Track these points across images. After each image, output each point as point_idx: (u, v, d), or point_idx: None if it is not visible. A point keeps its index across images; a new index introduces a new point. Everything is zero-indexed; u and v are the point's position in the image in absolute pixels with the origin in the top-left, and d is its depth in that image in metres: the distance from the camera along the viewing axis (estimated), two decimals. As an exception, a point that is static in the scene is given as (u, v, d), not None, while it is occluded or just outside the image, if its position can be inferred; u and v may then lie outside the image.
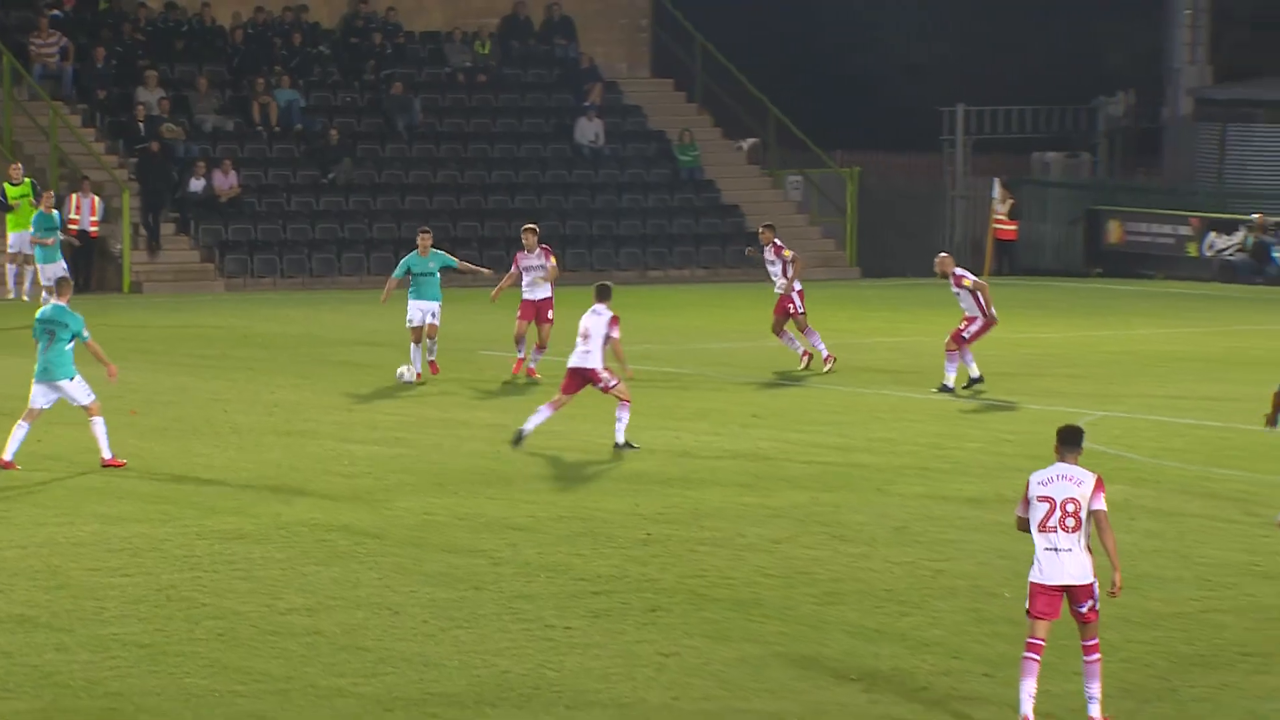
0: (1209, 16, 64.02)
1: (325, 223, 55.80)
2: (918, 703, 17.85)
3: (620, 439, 29.35)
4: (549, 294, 35.90)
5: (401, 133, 58.09)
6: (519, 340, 35.73)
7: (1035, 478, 17.10)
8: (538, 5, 61.53)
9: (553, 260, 36.17)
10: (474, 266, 38.45)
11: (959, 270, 34.80)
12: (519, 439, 29.18)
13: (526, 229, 36.70)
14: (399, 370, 34.69)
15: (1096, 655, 17.20)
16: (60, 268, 43.75)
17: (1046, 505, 16.93)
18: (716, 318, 41.52)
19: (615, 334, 29.37)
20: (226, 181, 54.69)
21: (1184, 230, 58.86)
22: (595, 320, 29.44)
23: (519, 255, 36.36)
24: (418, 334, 35.47)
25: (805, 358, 36.53)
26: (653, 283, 52.00)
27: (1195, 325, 44.95)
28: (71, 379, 27.38)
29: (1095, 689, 17.14)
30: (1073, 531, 16.97)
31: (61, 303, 27.66)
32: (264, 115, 57.16)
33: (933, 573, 22.43)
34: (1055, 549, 16.94)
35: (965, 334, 34.31)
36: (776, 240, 36.84)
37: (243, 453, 29.37)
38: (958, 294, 34.87)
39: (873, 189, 60.49)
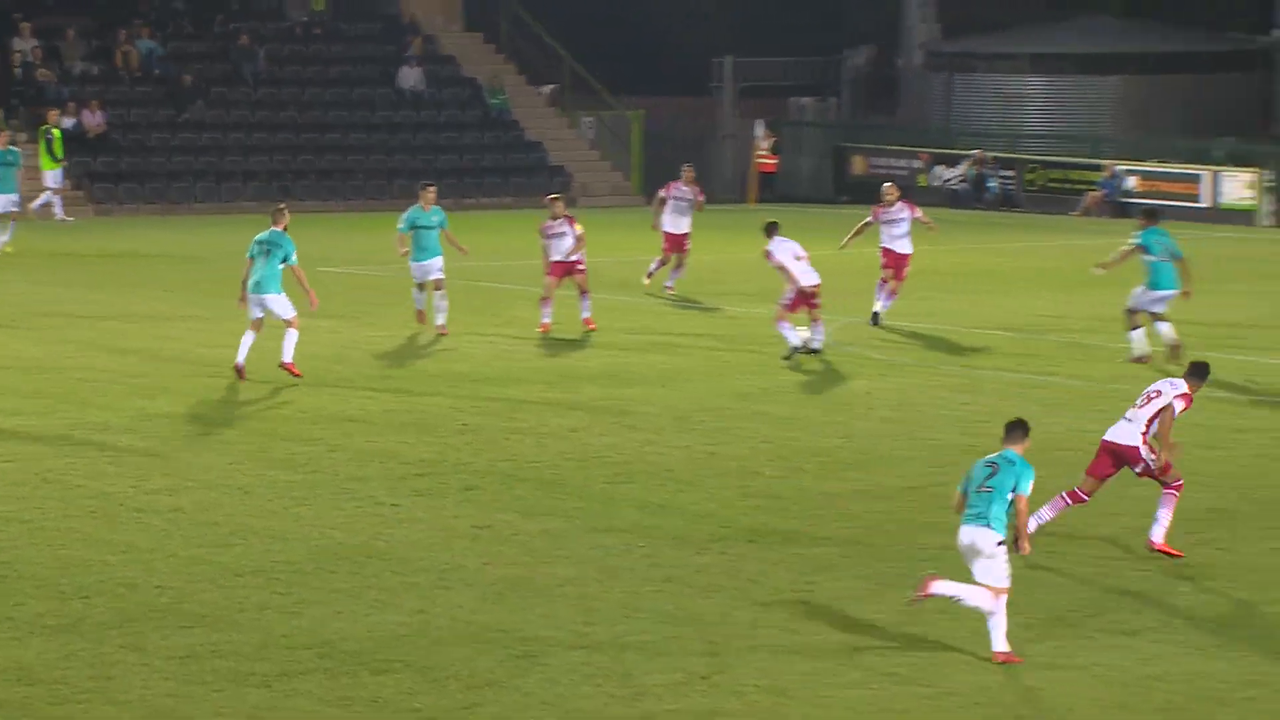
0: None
1: (181, 156, 55.21)
2: (692, 567, 17.96)
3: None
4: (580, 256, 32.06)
5: (247, 78, 57.56)
6: (545, 301, 31.42)
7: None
8: (365, -32, 61.14)
9: (578, 228, 32.18)
10: (459, 244, 32.23)
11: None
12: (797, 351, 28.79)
13: (552, 198, 33.19)
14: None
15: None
16: (12, 200, 42.87)
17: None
18: (528, 240, 41.28)
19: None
20: (94, 119, 53.97)
21: (916, 164, 59.36)
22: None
23: (543, 226, 32.37)
24: (425, 286, 31.20)
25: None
26: (468, 209, 51.73)
27: (927, 245, 45.36)
28: (278, 294, 26.75)
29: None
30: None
31: (279, 229, 26.96)
32: (126, 62, 56.47)
33: (707, 455, 22.53)
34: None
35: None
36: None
37: (111, 356, 29.02)
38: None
39: (655, 128, 60.59)
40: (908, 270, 32.85)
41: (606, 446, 22.95)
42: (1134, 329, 29.03)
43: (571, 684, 14.73)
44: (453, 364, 28.70)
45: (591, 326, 31.53)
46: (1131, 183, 54.31)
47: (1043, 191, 56.86)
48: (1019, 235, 41.23)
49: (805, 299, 28.94)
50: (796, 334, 28.90)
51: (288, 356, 26.68)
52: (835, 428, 24.16)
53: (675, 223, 36.99)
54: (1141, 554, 18.32)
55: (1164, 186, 53.52)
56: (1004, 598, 15.38)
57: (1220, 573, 17.65)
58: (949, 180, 58.01)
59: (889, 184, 34.48)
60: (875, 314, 32.30)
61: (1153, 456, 18.40)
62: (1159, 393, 18.64)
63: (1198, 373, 18.85)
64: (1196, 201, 53.25)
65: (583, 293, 31.85)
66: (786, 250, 29.14)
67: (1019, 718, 14.18)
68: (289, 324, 26.81)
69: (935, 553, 18.32)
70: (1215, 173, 53.59)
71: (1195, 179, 53.80)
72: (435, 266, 31.14)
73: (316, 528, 19.14)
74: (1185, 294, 28.89)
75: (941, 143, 59.74)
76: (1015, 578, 17.52)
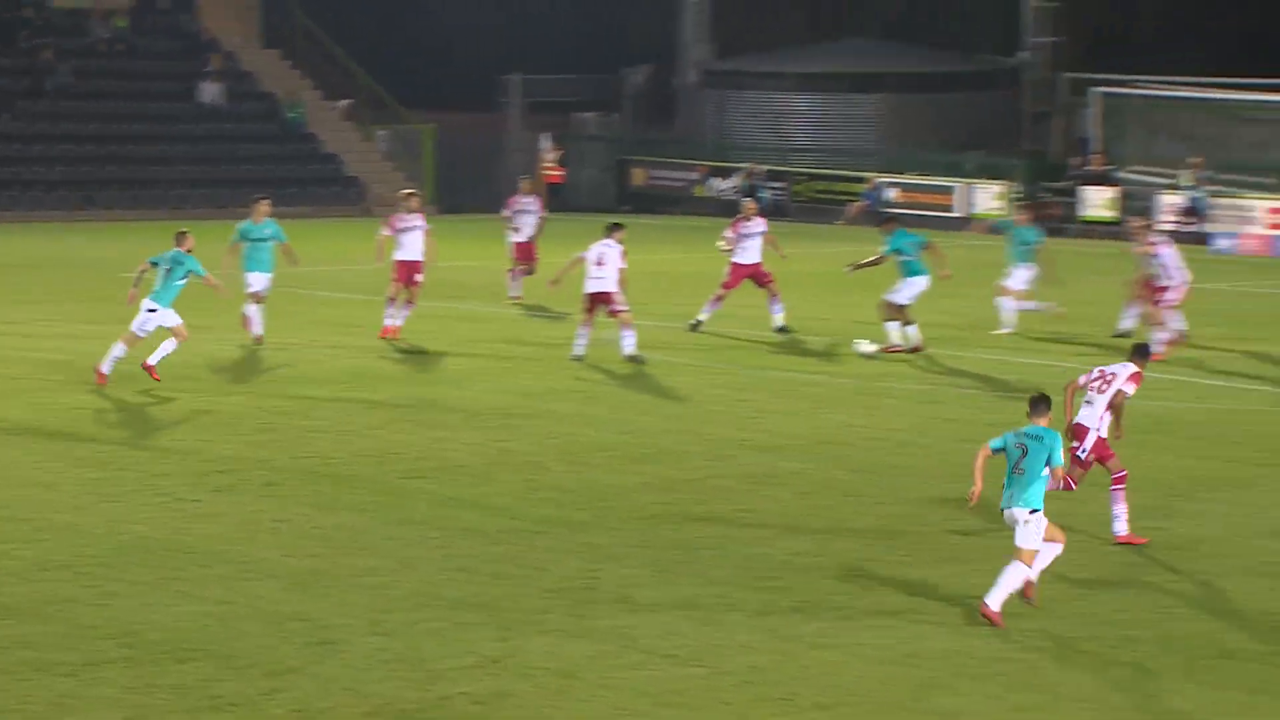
0: (710, 3, 64.90)
1: (-12, 167, 54.37)
2: (484, 557, 17.90)
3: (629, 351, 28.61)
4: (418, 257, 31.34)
5: (50, 92, 56.66)
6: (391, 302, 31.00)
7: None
8: (166, -13, 60.49)
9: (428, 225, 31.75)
10: (294, 256, 31.14)
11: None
12: (578, 358, 28.48)
13: (407, 193, 32.64)
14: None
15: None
16: None
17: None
18: (321, 247, 41.03)
19: (623, 264, 28.75)
20: (-96, 132, 52.96)
21: (693, 176, 59.66)
22: (609, 251, 28.78)
23: (393, 218, 31.61)
24: (258, 298, 30.05)
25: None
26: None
27: (703, 251, 45.56)
28: (168, 309, 26.16)
29: None
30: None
31: (182, 249, 26.55)
32: (-66, 77, 55.49)
33: (499, 451, 22.46)
34: None
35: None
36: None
37: (-80, 359, 28.42)
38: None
39: (446, 141, 60.38)
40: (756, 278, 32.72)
41: (402, 443, 22.80)
42: (896, 322, 29.61)
43: (368, 669, 14.61)
44: (256, 366, 28.38)
45: (391, 335, 30.88)
46: (892, 194, 54.96)
47: (810, 202, 57.39)
48: (788, 243, 41.45)
49: (593, 303, 28.79)
50: (582, 341, 28.73)
51: (154, 359, 26.07)
52: (620, 424, 24.17)
53: (522, 233, 37.04)
54: (901, 542, 18.48)
55: (921, 197, 54.20)
56: (1037, 557, 16.10)
57: (973, 557, 17.85)
58: (723, 191, 58.36)
59: (748, 200, 35.02)
60: (698, 321, 32.33)
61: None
62: (1114, 375, 18.69)
63: (1141, 352, 19.13)
64: (950, 211, 54.01)
65: (409, 302, 31.17)
66: (594, 252, 29.09)
67: (789, 695, 14.24)
68: (174, 332, 26.24)
69: (714, 541, 18.40)
70: (968, 185, 54.38)
71: (949, 190, 54.57)
72: (266, 278, 30.25)
73: (122, 523, 18.82)
74: (945, 275, 29.88)
75: (716, 156, 60.07)
76: (790, 565, 17.64)
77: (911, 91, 61.82)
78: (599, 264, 28.90)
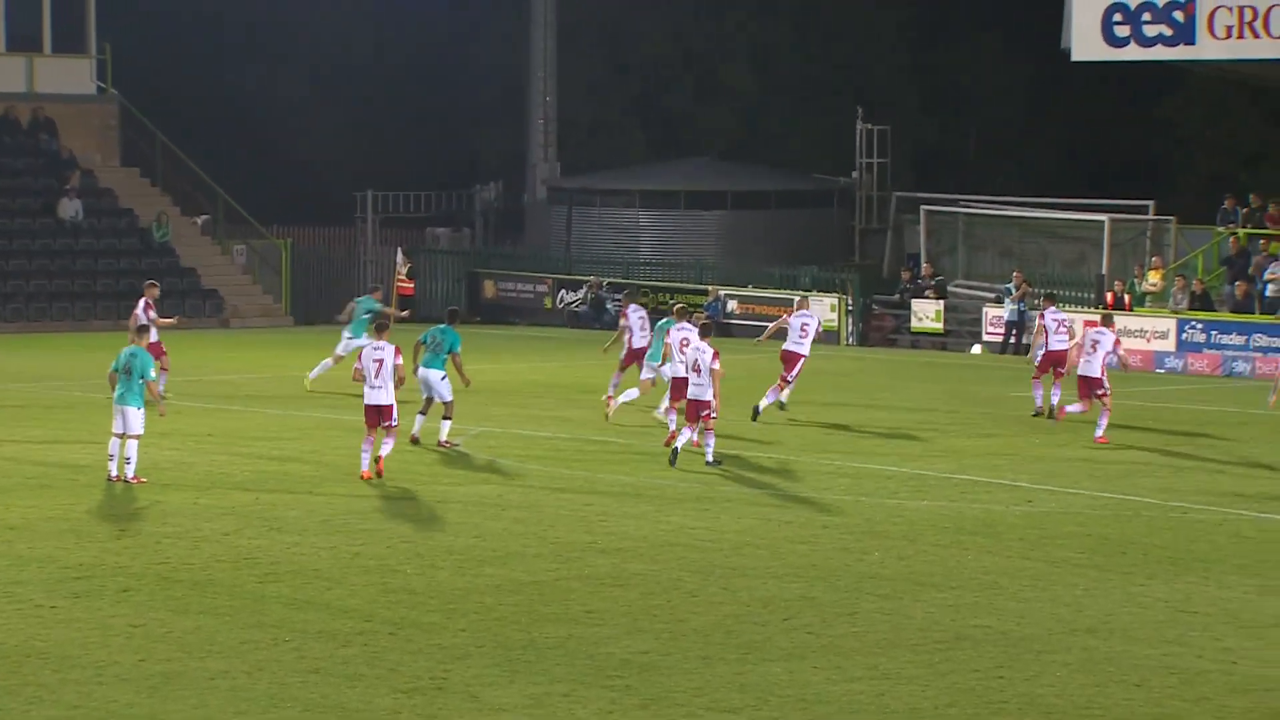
0: (556, 124, 65.38)
1: None
2: (337, 659, 17.74)
3: (709, 457, 28.63)
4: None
5: (-87, 208, 56.05)
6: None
7: None
8: (25, 108, 59.94)
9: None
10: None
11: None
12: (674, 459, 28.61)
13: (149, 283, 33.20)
14: None
15: None
16: None
17: None
18: (180, 356, 40.62)
19: (716, 365, 28.35)
20: None
21: (541, 288, 59.78)
22: (701, 355, 28.52)
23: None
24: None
25: None
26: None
27: (551, 361, 45.62)
28: (138, 409, 26.58)
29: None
30: None
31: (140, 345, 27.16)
32: None
33: (351, 555, 22.30)
34: None
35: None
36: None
37: None
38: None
39: (303, 255, 60.23)
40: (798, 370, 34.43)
41: (257, 548, 22.59)
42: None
43: (222, 770, 14.41)
44: (105, 475, 28.04)
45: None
46: (732, 305, 55.37)
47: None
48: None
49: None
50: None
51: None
52: (470, 528, 24.09)
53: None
54: (740, 641, 18.50)
55: (760, 309, 54.61)
56: None
57: (810, 653, 17.89)
58: (572, 304, 58.53)
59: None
60: (757, 408, 33.81)
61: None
62: (1099, 339, 29.57)
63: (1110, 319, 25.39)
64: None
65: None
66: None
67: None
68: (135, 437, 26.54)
69: (560, 641, 18.35)
70: (803, 297, 54.82)
71: (787, 303, 54.95)
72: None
73: (-21, 629, 18.49)
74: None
75: (564, 269, 60.25)
76: (634, 663, 17.60)
77: (750, 208, 62.56)
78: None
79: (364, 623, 19.02)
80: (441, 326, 31.04)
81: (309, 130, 66.77)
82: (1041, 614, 19.65)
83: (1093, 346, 33.15)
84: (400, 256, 59.78)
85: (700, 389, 28.58)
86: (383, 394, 27.37)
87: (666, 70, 71.12)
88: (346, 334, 37.44)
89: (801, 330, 35.49)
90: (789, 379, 34.91)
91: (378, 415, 27.44)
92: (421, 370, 30.44)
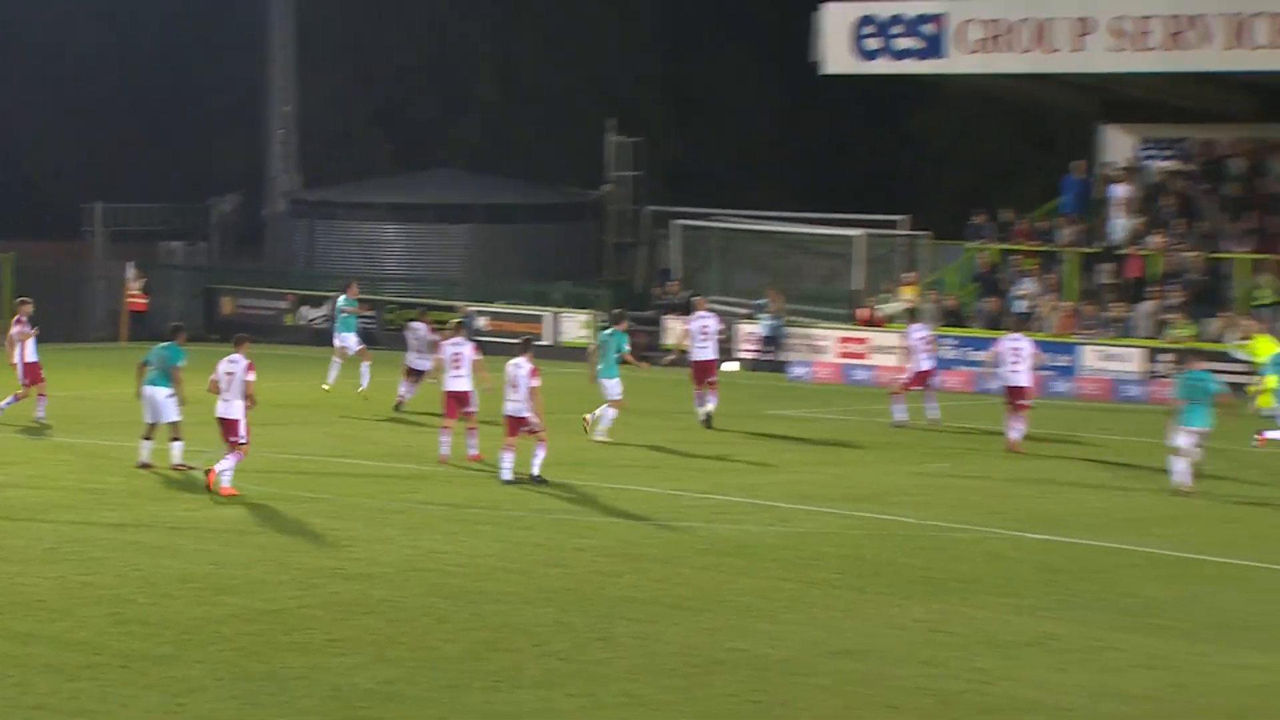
0: (297, 135, 64.79)
1: None
2: (64, 694, 17.30)
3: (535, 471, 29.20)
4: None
5: None
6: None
7: None
8: None
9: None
10: None
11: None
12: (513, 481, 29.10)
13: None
14: None
15: None
16: None
17: None
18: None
19: (535, 382, 28.92)
20: None
21: (282, 304, 59.16)
22: (518, 372, 29.04)
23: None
24: None
25: None
26: None
27: (294, 379, 45.14)
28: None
29: None
30: None
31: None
32: None
33: (80, 585, 21.80)
34: None
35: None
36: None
37: None
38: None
39: (26, 271, 58.95)
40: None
41: (-22, 579, 22.00)
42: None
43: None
44: None
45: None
46: (482, 322, 55.20)
47: (401, 329, 57.16)
48: (379, 371, 41.50)
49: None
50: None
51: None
52: (207, 555, 23.68)
53: (32, 353, 36.23)
54: (490, 667, 18.39)
55: (510, 325, 54.50)
56: None
57: (559, 681, 17.85)
58: (314, 320, 57.97)
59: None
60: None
61: None
62: (1019, 347, 33.68)
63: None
64: (540, 340, 54.37)
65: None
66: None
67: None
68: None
69: (302, 671, 18.08)
70: (555, 313, 54.89)
71: (539, 319, 55.00)
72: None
73: None
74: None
75: (306, 285, 59.67)
76: (379, 693, 17.41)
77: (499, 222, 62.46)
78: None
79: (93, 656, 18.58)
80: (165, 344, 30.65)
81: (36, 139, 65.46)
82: (798, 636, 19.77)
83: (1014, 355, 34.32)
84: (131, 271, 58.88)
85: (517, 406, 29.09)
86: (232, 408, 28.17)
87: (412, 81, 70.85)
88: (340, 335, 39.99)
89: (702, 334, 36.66)
90: (704, 386, 36.40)
91: (223, 429, 28.17)
92: (146, 390, 30.01)
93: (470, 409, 31.35)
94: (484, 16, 70.21)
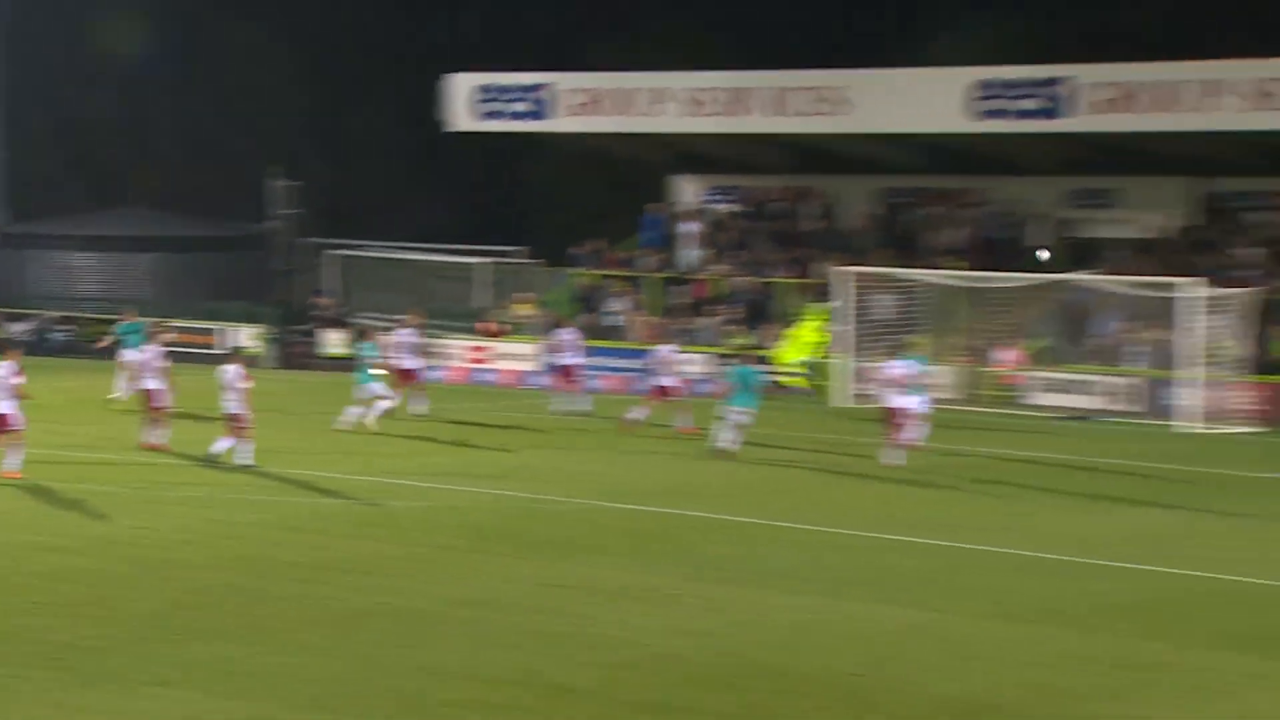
0: (7, 177, 62.60)
1: None
2: None
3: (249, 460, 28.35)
4: None
5: None
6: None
7: None
8: None
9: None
10: None
11: None
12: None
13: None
14: None
15: None
16: None
17: None
18: None
19: (246, 385, 28.85)
20: None
21: (-6, 321, 57.13)
22: (228, 376, 28.81)
23: None
24: None
25: None
26: None
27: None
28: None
29: None
30: None
31: None
32: None
33: None
34: None
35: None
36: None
37: None
38: None
39: None
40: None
41: None
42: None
43: None
44: None
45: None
46: (171, 336, 53.98)
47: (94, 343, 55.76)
48: (79, 376, 40.26)
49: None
50: None
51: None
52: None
53: None
54: (180, 621, 17.98)
55: (192, 339, 53.49)
56: None
57: (230, 631, 17.54)
58: (21, 333, 55.99)
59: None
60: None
61: None
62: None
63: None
64: (214, 349, 53.45)
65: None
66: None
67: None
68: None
69: (8, 631, 17.45)
70: (229, 328, 54.08)
71: (212, 332, 54.17)
72: None
73: None
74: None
75: (17, 304, 58.08)
76: (77, 646, 16.87)
77: (181, 251, 61.74)
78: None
79: None
80: None
81: None
82: (431, 591, 19.72)
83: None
84: None
85: (230, 404, 29.34)
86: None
87: (106, 130, 69.23)
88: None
89: (401, 346, 36.97)
90: (407, 388, 36.04)
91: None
92: None
93: (157, 405, 31.37)
94: (166, 79, 68.91)
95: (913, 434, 31.55)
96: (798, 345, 39.07)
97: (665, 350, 36.39)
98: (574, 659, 16.72)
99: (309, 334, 54.27)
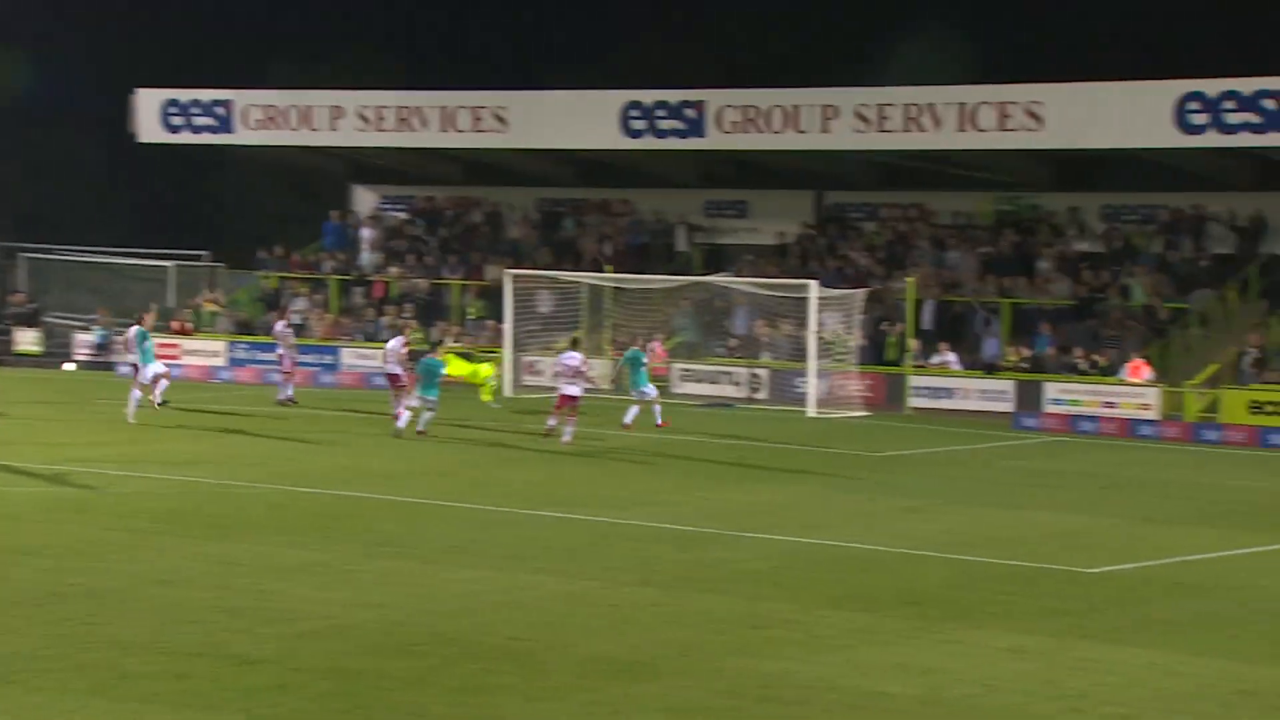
0: None
1: None
2: None
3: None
4: None
5: None
6: None
7: None
8: None
9: None
10: None
11: None
12: None
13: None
14: None
15: None
16: None
17: None
18: None
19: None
20: None
21: None
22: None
23: None
24: None
25: None
26: None
27: None
28: None
29: None
30: None
31: None
32: None
33: None
34: None
35: None
36: None
37: None
38: None
39: None
40: None
41: None
42: None
43: None
44: None
45: None
46: None
47: None
48: None
49: None
50: None
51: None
52: None
53: None
54: None
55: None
56: None
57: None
58: None
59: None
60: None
61: None
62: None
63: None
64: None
65: None
66: None
67: None
68: None
69: None
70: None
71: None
72: None
73: None
74: None
75: None
76: None
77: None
78: None
79: None
80: None
81: None
82: (123, 571, 19.07)
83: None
84: None
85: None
86: None
87: None
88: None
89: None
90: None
91: None
92: None
93: None
94: None
95: (574, 421, 32.11)
96: (483, 386, 38.73)
97: (393, 343, 35.81)
98: (255, 631, 16.35)
99: (4, 331, 52.07)
